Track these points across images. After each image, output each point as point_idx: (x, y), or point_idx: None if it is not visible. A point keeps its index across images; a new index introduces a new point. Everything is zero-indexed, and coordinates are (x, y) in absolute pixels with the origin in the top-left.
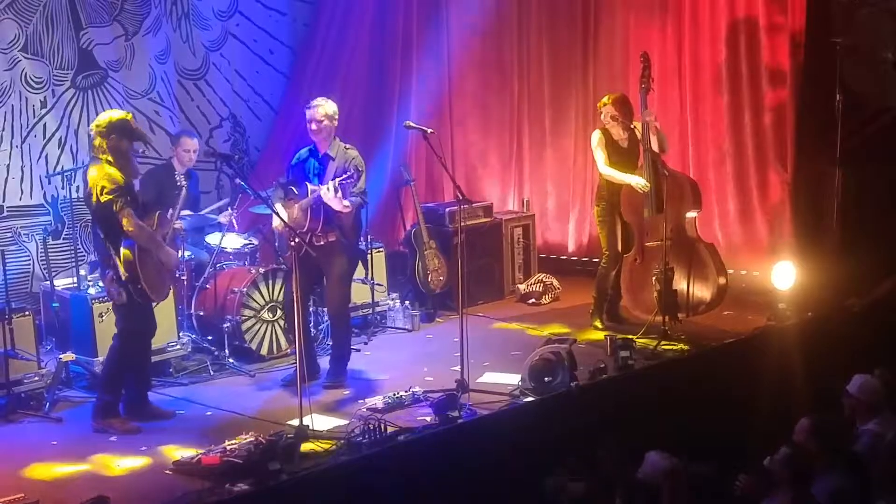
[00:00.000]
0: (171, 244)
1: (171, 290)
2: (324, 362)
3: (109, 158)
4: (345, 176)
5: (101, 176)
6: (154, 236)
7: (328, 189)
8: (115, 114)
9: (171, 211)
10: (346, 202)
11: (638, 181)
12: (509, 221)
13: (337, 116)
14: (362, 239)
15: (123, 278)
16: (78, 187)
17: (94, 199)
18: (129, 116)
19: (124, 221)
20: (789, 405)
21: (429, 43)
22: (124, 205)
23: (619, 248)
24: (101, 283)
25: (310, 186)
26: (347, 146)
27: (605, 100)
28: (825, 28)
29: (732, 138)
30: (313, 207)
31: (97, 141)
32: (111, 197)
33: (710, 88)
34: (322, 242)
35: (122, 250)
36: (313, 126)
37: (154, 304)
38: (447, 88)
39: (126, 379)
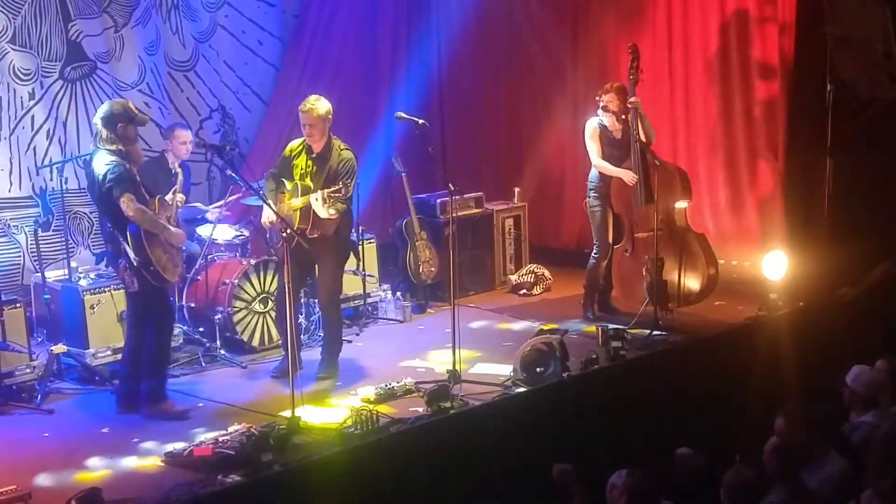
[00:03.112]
0: (175, 225)
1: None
2: (315, 353)
3: (117, 148)
4: (334, 189)
5: (102, 165)
6: (156, 219)
7: (317, 199)
8: (116, 103)
9: (169, 194)
10: (332, 210)
11: (627, 175)
12: (500, 212)
13: (331, 115)
14: (353, 231)
15: (135, 263)
16: (67, 179)
17: (97, 189)
18: (128, 102)
19: (124, 206)
20: (780, 395)
21: (419, 33)
22: (124, 190)
23: (610, 238)
24: (91, 276)
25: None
26: (343, 146)
27: (606, 87)
28: (815, 18)
29: (723, 129)
30: (309, 211)
31: (103, 132)
32: (111, 185)
33: (700, 79)
34: (315, 235)
35: (129, 235)
36: (307, 130)
37: (172, 284)
38: (438, 79)
39: (120, 370)
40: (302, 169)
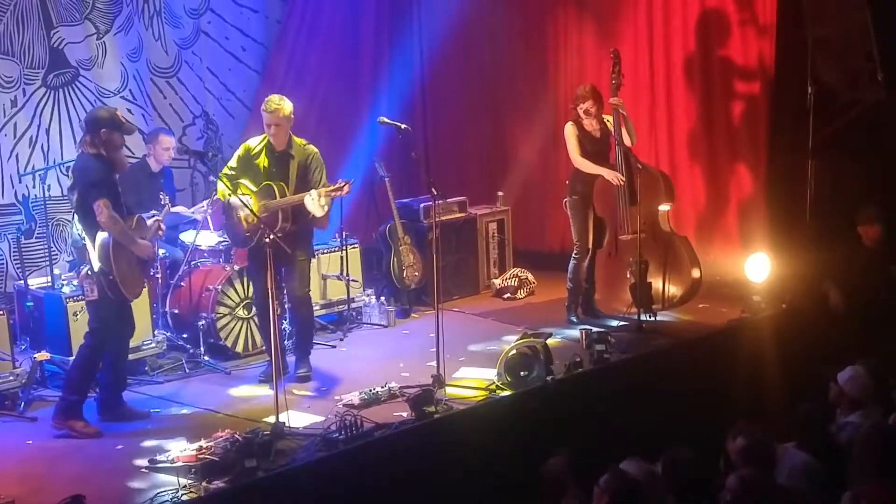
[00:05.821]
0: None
1: (146, 288)
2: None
3: (98, 152)
4: (335, 187)
5: (85, 166)
6: (127, 230)
7: (312, 198)
8: (103, 109)
9: (152, 218)
10: (326, 207)
11: (612, 174)
12: (484, 216)
13: (293, 114)
14: (337, 235)
15: (96, 268)
16: (49, 186)
17: (76, 190)
18: (117, 111)
19: (97, 209)
20: (764, 397)
21: (401, 38)
22: (102, 194)
23: (591, 239)
24: (74, 283)
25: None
26: (304, 142)
27: (579, 91)
28: (796, 20)
29: (705, 131)
30: (289, 209)
31: (87, 136)
32: (90, 187)
33: (682, 82)
34: (281, 234)
35: (97, 239)
36: (272, 130)
37: (129, 300)
38: (420, 83)
39: (101, 378)
40: (264, 168)
